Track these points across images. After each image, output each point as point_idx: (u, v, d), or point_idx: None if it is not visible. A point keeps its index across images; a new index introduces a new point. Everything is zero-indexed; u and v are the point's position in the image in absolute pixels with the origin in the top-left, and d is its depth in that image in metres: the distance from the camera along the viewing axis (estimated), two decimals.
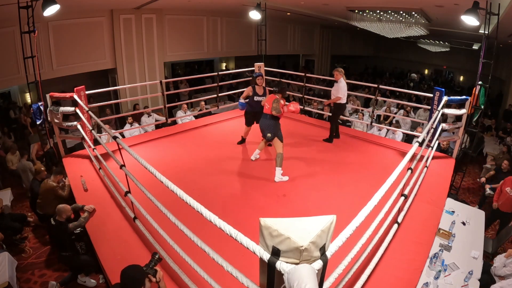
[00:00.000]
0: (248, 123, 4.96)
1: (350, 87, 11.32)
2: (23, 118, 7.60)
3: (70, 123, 4.40)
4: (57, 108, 4.27)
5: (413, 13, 7.37)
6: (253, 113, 4.82)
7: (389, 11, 7.63)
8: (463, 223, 3.65)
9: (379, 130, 6.54)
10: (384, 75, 16.68)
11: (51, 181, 3.89)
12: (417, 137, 3.29)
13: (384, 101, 8.69)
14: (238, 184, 3.93)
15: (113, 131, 5.98)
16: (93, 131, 3.85)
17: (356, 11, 8.08)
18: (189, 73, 12.30)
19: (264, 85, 4.98)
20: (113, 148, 3.64)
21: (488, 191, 5.27)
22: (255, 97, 4.76)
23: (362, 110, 7.58)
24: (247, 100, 4.91)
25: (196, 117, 6.77)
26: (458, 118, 4.60)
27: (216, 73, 6.44)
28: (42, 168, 4.29)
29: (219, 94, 6.41)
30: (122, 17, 7.80)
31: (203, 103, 7.40)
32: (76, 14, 7.04)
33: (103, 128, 3.48)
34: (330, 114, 5.48)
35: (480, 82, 4.55)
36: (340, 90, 4.87)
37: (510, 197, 4.31)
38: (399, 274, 2.52)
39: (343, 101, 4.96)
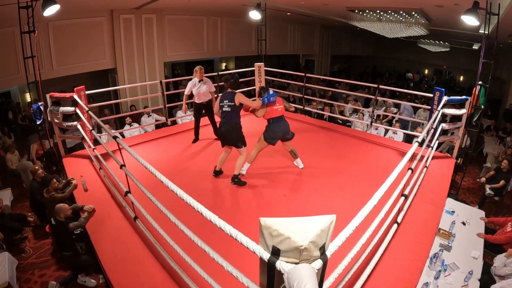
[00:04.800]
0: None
1: (350, 87, 11.38)
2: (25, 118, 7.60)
3: (70, 123, 4.40)
4: (57, 108, 4.27)
5: (413, 13, 7.37)
6: None
7: (389, 11, 7.63)
8: (463, 223, 3.65)
9: (376, 129, 6.53)
10: (384, 75, 16.68)
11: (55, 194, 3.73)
12: (417, 137, 3.29)
13: (384, 101, 8.68)
14: None
15: (113, 131, 5.98)
16: (93, 131, 3.85)
17: (356, 11, 8.08)
18: (189, 73, 12.27)
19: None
20: (113, 148, 3.64)
21: (488, 191, 5.27)
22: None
23: (362, 110, 7.58)
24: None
25: None
26: (458, 118, 4.60)
27: (216, 73, 6.44)
28: (37, 168, 4.23)
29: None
30: (122, 17, 7.80)
31: None
32: (76, 14, 7.04)
33: (103, 128, 3.48)
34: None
35: (480, 82, 4.55)
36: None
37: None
38: (399, 274, 2.52)
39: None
